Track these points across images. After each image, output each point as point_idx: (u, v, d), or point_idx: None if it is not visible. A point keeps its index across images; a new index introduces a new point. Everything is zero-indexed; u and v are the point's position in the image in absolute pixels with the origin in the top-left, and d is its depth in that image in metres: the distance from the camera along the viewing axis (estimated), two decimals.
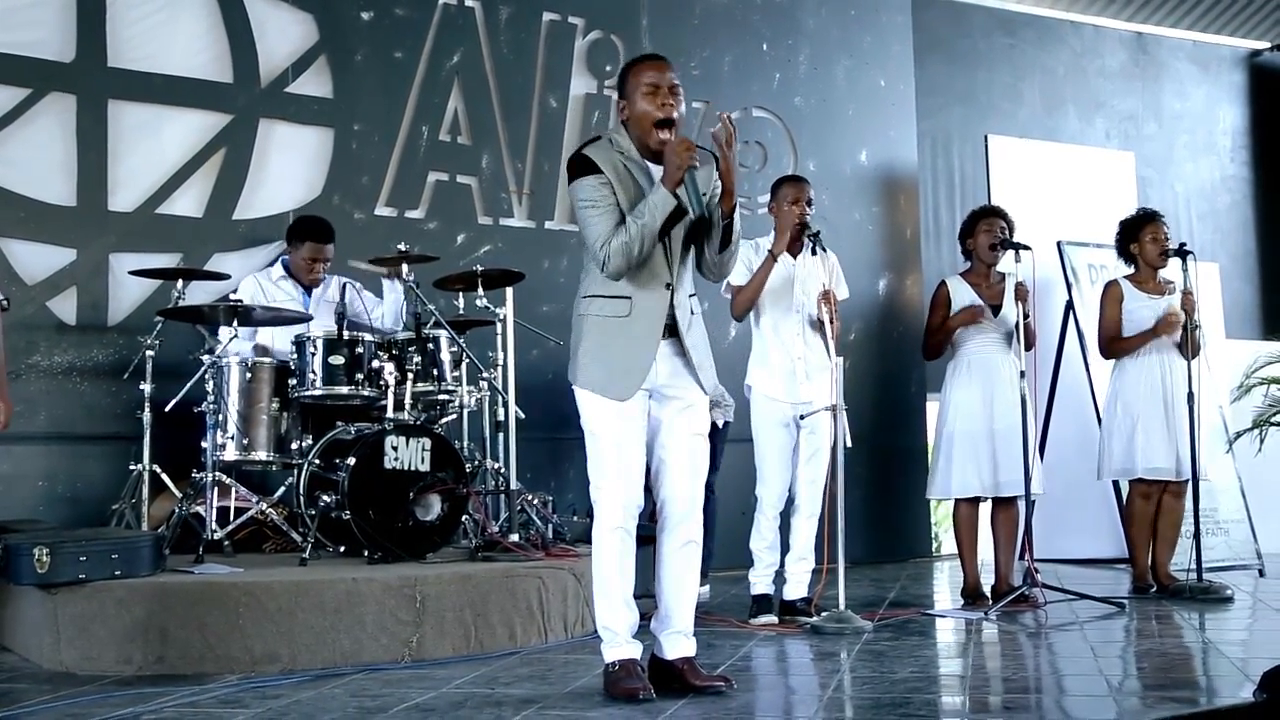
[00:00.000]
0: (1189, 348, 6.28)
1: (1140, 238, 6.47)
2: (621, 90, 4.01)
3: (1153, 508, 6.38)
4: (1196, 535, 6.24)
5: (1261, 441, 7.86)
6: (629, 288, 3.88)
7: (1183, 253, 6.33)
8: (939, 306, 6.23)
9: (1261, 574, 7.50)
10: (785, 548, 5.59)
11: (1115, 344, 6.48)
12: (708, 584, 6.41)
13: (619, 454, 3.86)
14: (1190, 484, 6.26)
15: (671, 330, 3.92)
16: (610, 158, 3.92)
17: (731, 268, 4.14)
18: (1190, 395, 6.17)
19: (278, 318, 5.85)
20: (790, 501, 5.59)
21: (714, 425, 6.34)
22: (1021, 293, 5.94)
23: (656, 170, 3.91)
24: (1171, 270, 6.48)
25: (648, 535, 4.01)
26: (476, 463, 5.95)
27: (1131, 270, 6.56)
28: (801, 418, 5.51)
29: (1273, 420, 7.91)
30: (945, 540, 8.61)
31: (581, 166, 3.90)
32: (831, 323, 5.38)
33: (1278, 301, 10.45)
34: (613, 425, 3.86)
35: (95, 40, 6.38)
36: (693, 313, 4.00)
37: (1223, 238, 10.34)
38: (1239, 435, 7.86)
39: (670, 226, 3.85)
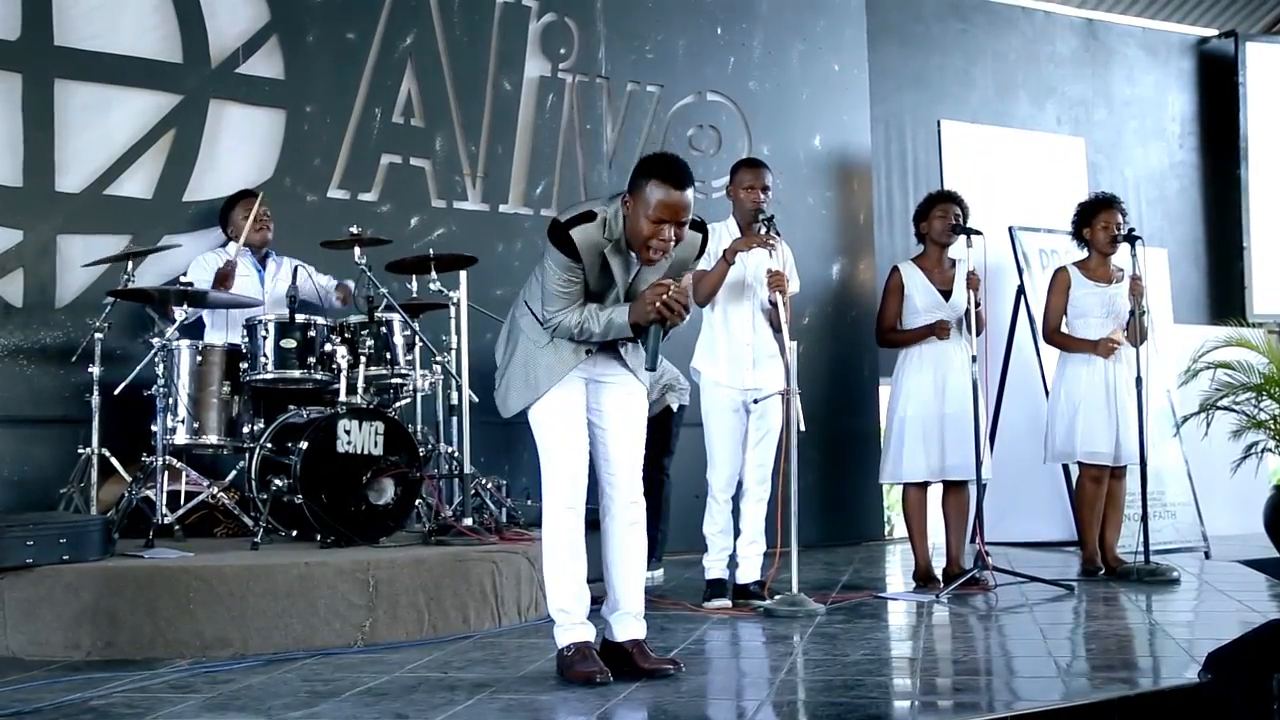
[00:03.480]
0: (1136, 334, 6.34)
1: (1094, 223, 6.52)
2: (633, 186, 3.80)
3: (1104, 491, 6.44)
4: (1144, 518, 6.32)
5: (1208, 425, 7.95)
6: None
7: (1131, 239, 6.39)
8: (893, 293, 6.25)
9: (1207, 556, 7.60)
10: (736, 532, 5.62)
11: (1056, 336, 6.55)
12: (661, 567, 6.43)
13: (563, 443, 3.93)
14: (1135, 468, 6.33)
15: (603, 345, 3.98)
16: (595, 242, 3.81)
17: None
18: (1139, 380, 6.24)
19: (228, 301, 5.81)
20: (740, 485, 5.61)
21: (668, 409, 6.37)
22: (973, 281, 5.97)
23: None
24: (1121, 257, 6.53)
25: (593, 520, 4.02)
26: (430, 446, 5.94)
27: (1084, 255, 6.61)
28: (755, 402, 5.52)
29: (1219, 404, 8.01)
30: (897, 524, 8.66)
31: (563, 246, 3.79)
32: (785, 305, 5.39)
33: (1225, 286, 10.56)
34: (554, 419, 3.94)
35: (41, 18, 6.27)
36: None
37: (1171, 223, 10.43)
38: (1186, 419, 7.95)
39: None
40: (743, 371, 5.55)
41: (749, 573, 5.59)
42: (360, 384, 5.54)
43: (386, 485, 5.32)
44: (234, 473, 5.64)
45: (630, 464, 4.04)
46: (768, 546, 5.56)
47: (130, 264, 5.65)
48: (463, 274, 5.98)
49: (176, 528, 5.39)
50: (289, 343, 5.52)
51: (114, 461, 5.55)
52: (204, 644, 4.39)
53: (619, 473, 4.02)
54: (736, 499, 5.62)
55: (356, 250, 5.74)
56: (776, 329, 5.48)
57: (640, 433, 4.08)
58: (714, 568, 5.60)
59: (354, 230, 5.79)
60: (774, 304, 5.44)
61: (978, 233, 5.97)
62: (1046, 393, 7.23)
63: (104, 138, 6.38)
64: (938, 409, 6.03)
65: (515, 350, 4.02)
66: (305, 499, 5.13)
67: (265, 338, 5.52)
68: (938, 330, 6.05)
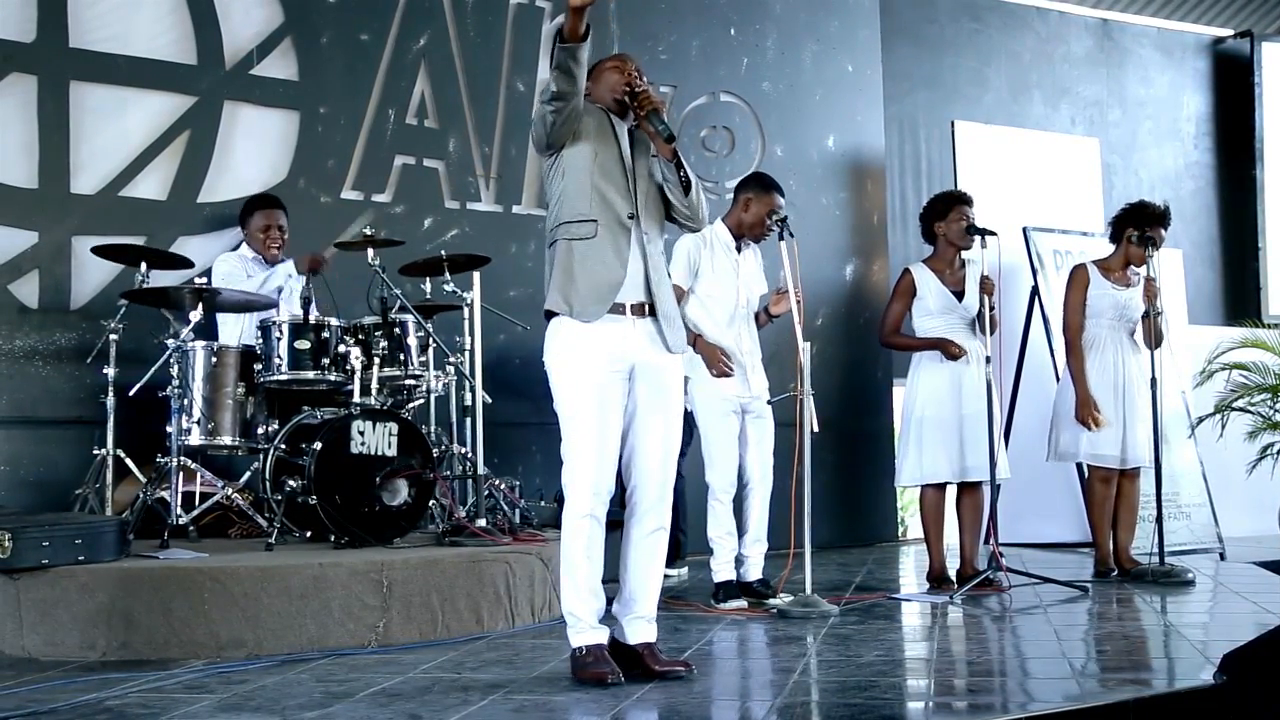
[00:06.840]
0: (1152, 336, 6.31)
1: (1127, 230, 6.46)
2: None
3: (1113, 491, 6.41)
4: (1159, 519, 6.29)
5: (1223, 426, 7.93)
6: (593, 212, 3.93)
7: (1144, 240, 6.36)
8: (901, 295, 6.23)
9: (1222, 557, 7.57)
10: (741, 531, 5.63)
11: (1069, 334, 6.47)
12: (685, 567, 6.44)
13: (597, 432, 3.83)
14: (1148, 469, 6.31)
15: (648, 309, 3.95)
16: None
17: (702, 212, 4.13)
18: (1153, 381, 6.21)
19: (243, 302, 5.82)
20: (744, 486, 5.63)
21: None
22: (987, 286, 5.96)
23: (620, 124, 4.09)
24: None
25: (615, 520, 4.00)
26: (443, 447, 5.94)
27: (1104, 255, 6.58)
28: (745, 412, 5.60)
29: (1234, 405, 7.99)
30: (911, 524, 8.65)
31: None
32: (798, 308, 5.42)
33: (1240, 287, 10.54)
34: (591, 403, 3.84)
35: (56, 20, 6.30)
36: (663, 256, 4.05)
37: (1186, 224, 10.39)
38: (1201, 420, 7.93)
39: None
40: (745, 379, 5.62)
41: (754, 570, 5.63)
42: (374, 385, 5.55)
43: (400, 486, 5.33)
44: (248, 474, 5.65)
45: (662, 470, 3.98)
46: (781, 548, 5.56)
47: (144, 265, 5.66)
48: (476, 275, 5.99)
49: (191, 529, 5.40)
50: (303, 344, 5.53)
51: (129, 462, 5.56)
52: (218, 644, 4.40)
53: (649, 477, 3.96)
54: (738, 499, 5.64)
55: (370, 251, 5.75)
56: (761, 326, 5.77)
57: (676, 438, 4.02)
58: (722, 570, 5.60)
59: (367, 231, 5.80)
60: (774, 317, 5.73)
61: (993, 233, 5.96)
62: None
63: (119, 139, 6.41)
64: (955, 410, 6.02)
65: (556, 253, 3.98)
66: (319, 500, 5.14)
67: (279, 339, 5.53)
68: (945, 348, 6.03)
